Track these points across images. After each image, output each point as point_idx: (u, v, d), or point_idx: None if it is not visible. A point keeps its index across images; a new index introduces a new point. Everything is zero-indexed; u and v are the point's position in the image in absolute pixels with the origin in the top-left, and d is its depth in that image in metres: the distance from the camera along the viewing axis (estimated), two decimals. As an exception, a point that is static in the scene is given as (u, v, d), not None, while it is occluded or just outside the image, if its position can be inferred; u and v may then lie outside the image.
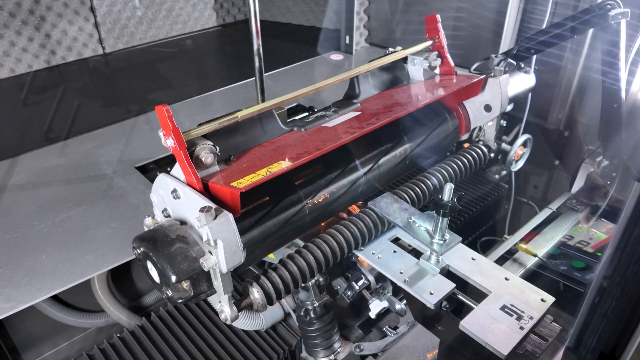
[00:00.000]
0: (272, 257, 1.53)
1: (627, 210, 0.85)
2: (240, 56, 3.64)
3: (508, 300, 1.30)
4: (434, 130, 1.82)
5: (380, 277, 1.62)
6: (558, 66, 2.44)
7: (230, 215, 1.13)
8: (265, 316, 1.78)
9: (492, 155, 1.99)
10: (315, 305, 1.56)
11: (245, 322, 1.76)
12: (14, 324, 1.95)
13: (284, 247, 1.50)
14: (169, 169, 1.28)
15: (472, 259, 1.44)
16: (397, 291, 1.77)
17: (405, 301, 1.58)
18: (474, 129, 1.97)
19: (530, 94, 2.17)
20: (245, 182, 1.20)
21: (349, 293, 1.54)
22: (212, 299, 1.82)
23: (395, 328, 1.71)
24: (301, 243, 1.46)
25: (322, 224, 1.60)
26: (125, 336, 1.78)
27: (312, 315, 1.59)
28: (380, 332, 1.76)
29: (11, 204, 1.91)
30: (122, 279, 2.17)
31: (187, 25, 4.00)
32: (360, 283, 1.54)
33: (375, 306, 1.55)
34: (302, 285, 1.42)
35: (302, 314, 1.61)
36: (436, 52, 1.83)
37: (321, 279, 1.51)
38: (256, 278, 1.31)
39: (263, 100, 2.15)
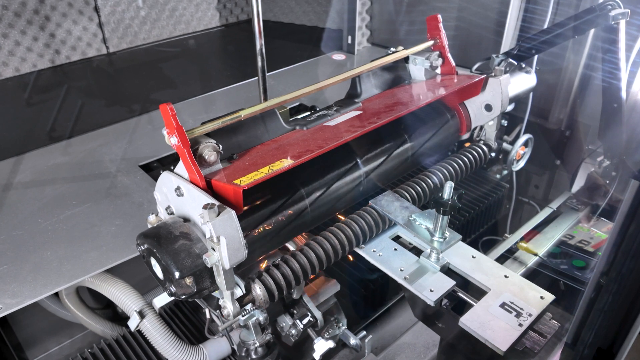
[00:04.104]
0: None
1: (623, 207, 0.86)
2: (242, 56, 3.66)
3: (507, 297, 1.31)
4: (434, 129, 1.84)
5: (334, 310, 1.55)
6: (559, 66, 2.45)
7: (233, 212, 1.14)
8: (209, 352, 1.63)
9: (493, 154, 2.00)
10: (256, 345, 1.43)
11: (185, 358, 1.61)
12: (18, 321, 1.97)
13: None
14: (172, 167, 1.30)
15: (472, 256, 1.45)
16: (353, 324, 1.67)
17: (362, 334, 1.52)
18: (475, 128, 1.98)
19: (531, 94, 2.18)
20: (247, 180, 1.21)
21: (293, 332, 1.46)
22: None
23: None
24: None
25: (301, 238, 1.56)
26: (95, 352, 1.75)
27: (254, 356, 1.46)
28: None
29: (16, 202, 1.93)
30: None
31: (190, 25, 4.01)
32: (305, 321, 1.46)
33: (320, 346, 1.48)
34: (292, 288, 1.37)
35: (243, 354, 1.47)
36: (437, 52, 1.85)
37: (261, 318, 1.38)
38: (258, 275, 1.32)
39: (265, 100, 2.16)
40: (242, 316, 1.33)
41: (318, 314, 1.48)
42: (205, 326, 1.48)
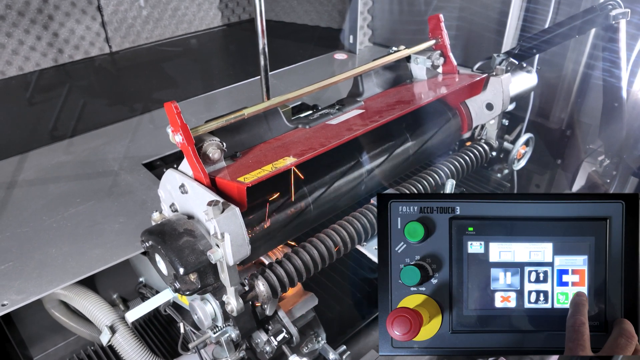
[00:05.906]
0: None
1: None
2: (245, 55, 3.67)
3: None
4: (436, 128, 1.85)
5: (313, 324, 1.52)
6: (560, 66, 2.46)
7: (237, 209, 1.15)
8: None
9: (494, 153, 2.01)
10: None
11: None
12: (22, 318, 1.98)
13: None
14: (175, 165, 1.31)
15: (473, 254, 1.46)
16: (333, 338, 1.62)
17: (342, 349, 1.49)
18: (476, 127, 1.99)
19: (532, 93, 2.19)
20: (251, 177, 1.23)
21: (268, 349, 1.41)
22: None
23: None
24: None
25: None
26: (82, 359, 1.74)
27: None
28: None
29: (21, 199, 1.94)
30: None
31: (192, 24, 4.03)
32: (279, 337, 1.41)
33: None
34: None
35: None
36: (439, 51, 1.86)
37: (233, 335, 1.35)
38: (262, 271, 1.33)
39: (268, 99, 2.17)
40: (214, 333, 1.31)
41: (293, 330, 1.42)
42: (179, 341, 1.46)
